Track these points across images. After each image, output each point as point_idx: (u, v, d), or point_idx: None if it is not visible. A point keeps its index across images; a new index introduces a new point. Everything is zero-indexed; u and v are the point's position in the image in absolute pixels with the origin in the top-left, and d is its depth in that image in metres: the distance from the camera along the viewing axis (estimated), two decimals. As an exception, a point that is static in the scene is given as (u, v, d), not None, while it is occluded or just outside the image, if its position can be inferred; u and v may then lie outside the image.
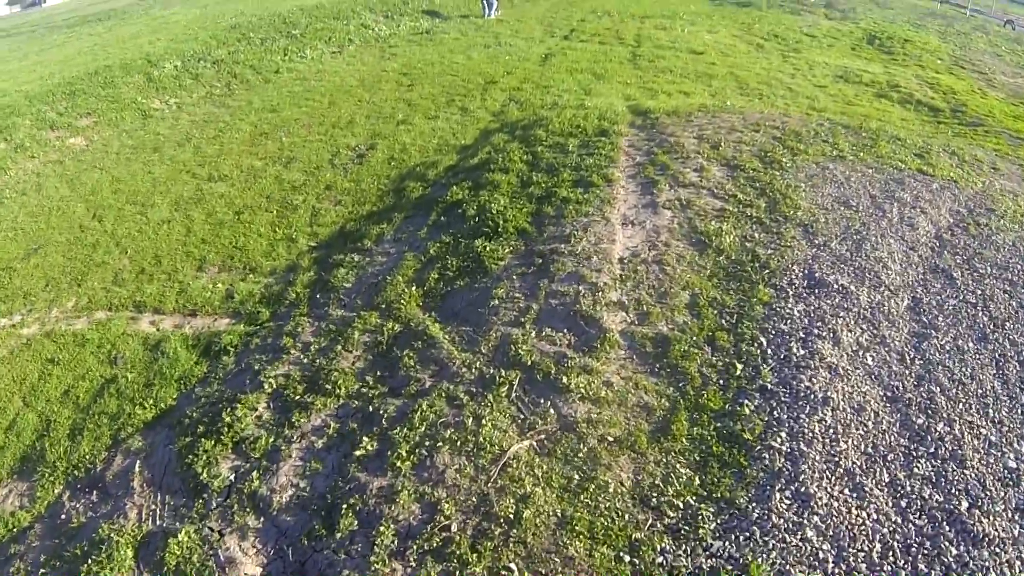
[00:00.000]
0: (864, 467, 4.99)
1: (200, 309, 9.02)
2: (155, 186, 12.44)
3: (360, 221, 10.08)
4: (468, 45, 20.48)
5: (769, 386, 5.70)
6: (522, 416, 5.50)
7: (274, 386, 6.81)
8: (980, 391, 5.56)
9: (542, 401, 5.68)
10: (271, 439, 5.99)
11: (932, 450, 5.12)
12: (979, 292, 6.84)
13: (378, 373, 6.49)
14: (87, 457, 6.77)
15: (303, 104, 15.95)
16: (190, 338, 8.40)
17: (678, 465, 5.16)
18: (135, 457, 6.39)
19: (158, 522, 5.57)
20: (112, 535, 5.56)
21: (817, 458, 5.05)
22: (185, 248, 10.30)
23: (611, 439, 5.26)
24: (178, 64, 20.68)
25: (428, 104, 14.70)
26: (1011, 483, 4.85)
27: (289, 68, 19.84)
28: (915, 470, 4.94)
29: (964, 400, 5.50)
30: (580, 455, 5.21)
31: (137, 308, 9.18)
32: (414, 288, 7.63)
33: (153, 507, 5.77)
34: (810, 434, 5.24)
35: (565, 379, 5.89)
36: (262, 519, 5.30)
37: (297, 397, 6.49)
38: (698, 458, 5.26)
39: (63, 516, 6.09)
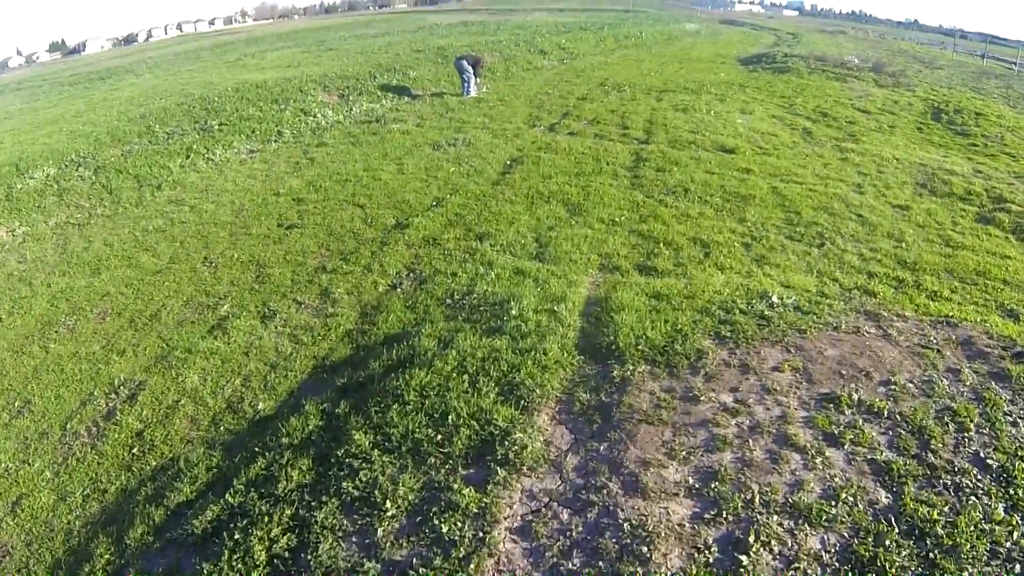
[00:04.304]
0: None
1: None
2: None
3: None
4: (414, 143, 14.88)
5: None
6: None
7: None
8: None
9: None
10: None
11: None
12: None
13: None
14: None
15: (135, 260, 10.80)
16: None
17: None
18: None
19: None
20: None
21: None
22: None
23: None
24: (51, 172, 15.54)
25: (284, 277, 9.14)
26: None
27: (176, 180, 14.53)
28: None
29: None
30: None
31: None
32: None
33: None
34: None
35: None
36: None
37: None
38: None
39: None
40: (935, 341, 6.33)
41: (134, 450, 6.69)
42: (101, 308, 9.41)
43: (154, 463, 6.46)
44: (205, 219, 11.92)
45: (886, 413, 5.14)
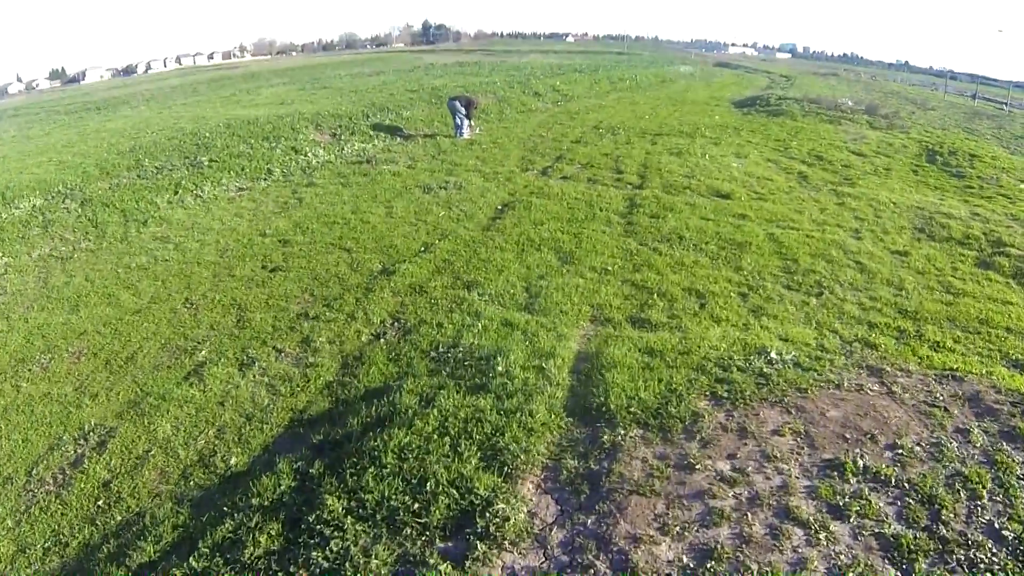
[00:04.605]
0: None
1: None
2: None
3: None
4: (404, 186, 14.62)
5: None
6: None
7: None
8: None
9: None
10: None
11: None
12: None
13: None
14: None
15: (115, 298, 10.59)
16: None
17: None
18: None
19: None
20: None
21: None
22: None
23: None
24: (38, 203, 15.23)
25: (265, 323, 8.89)
26: None
27: (163, 217, 14.16)
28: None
29: None
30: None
31: None
32: None
33: None
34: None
35: None
36: None
37: None
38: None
39: None
40: (941, 398, 6.09)
41: (99, 502, 6.33)
42: (77, 347, 9.10)
43: (119, 517, 6.09)
44: (189, 258, 11.64)
45: (893, 480, 4.85)
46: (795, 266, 9.91)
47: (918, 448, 5.24)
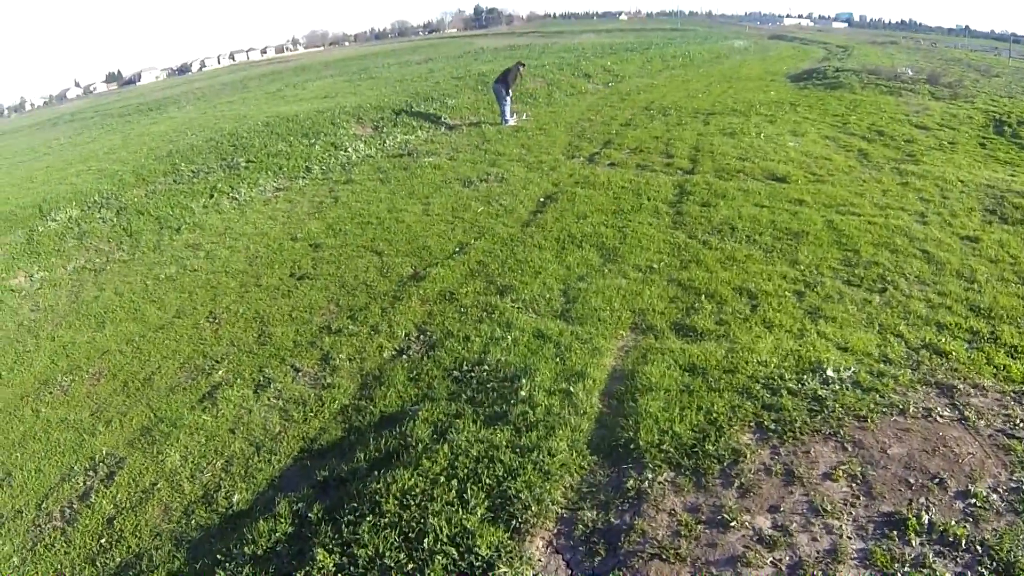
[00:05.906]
0: None
1: None
2: None
3: None
4: (443, 180, 14.13)
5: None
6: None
7: None
8: None
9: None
10: None
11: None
12: None
13: None
14: None
15: (141, 313, 10.39)
16: None
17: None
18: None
19: None
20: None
21: None
22: None
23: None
24: (74, 214, 15.29)
25: (286, 338, 8.63)
26: None
27: (196, 223, 13.97)
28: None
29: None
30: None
31: None
32: None
33: None
34: None
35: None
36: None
37: None
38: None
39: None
40: (1023, 424, 5.17)
41: (102, 540, 6.06)
42: (98, 367, 8.91)
43: (118, 559, 5.79)
44: (217, 267, 11.36)
45: (964, 542, 4.04)
46: (856, 258, 9.03)
47: (994, 496, 4.40)
